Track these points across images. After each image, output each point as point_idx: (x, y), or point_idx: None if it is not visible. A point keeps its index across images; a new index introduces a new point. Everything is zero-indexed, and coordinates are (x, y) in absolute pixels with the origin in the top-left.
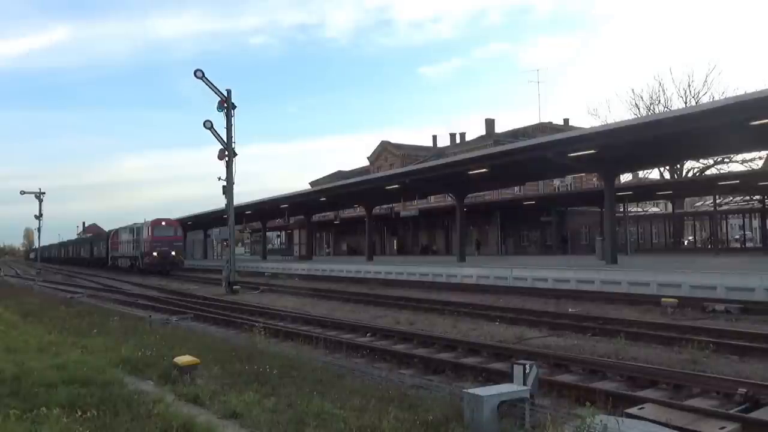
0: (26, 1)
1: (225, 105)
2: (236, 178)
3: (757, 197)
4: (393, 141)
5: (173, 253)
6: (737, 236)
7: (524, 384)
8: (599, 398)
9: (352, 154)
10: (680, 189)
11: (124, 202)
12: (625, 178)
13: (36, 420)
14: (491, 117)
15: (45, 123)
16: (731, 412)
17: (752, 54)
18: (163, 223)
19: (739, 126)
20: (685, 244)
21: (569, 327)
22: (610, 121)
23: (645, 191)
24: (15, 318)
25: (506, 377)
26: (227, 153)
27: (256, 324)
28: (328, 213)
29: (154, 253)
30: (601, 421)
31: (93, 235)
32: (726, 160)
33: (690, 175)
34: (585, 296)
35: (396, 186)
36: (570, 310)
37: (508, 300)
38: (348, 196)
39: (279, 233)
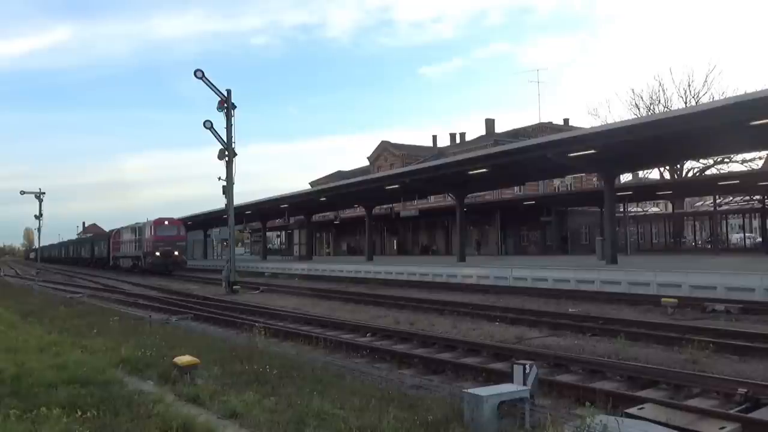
0: (27, 1)
1: (225, 105)
2: (236, 178)
3: (757, 197)
4: (393, 141)
5: (176, 252)
6: (736, 239)
7: (524, 384)
8: (599, 398)
9: (352, 154)
10: (680, 189)
11: (124, 202)
12: (625, 178)
13: (36, 420)
14: (491, 117)
15: (45, 123)
16: (731, 412)
17: (752, 54)
18: (166, 223)
19: (739, 126)
20: (688, 243)
21: (569, 327)
22: (610, 121)
23: (645, 191)
24: (15, 318)
25: (506, 377)
26: (227, 153)
27: (256, 324)
28: (328, 213)
29: (157, 253)
30: (601, 421)
31: (94, 234)
32: (726, 160)
33: (690, 175)
34: (585, 296)
35: (396, 186)
36: (570, 310)
37: (508, 300)
38: (348, 196)
39: (279, 233)
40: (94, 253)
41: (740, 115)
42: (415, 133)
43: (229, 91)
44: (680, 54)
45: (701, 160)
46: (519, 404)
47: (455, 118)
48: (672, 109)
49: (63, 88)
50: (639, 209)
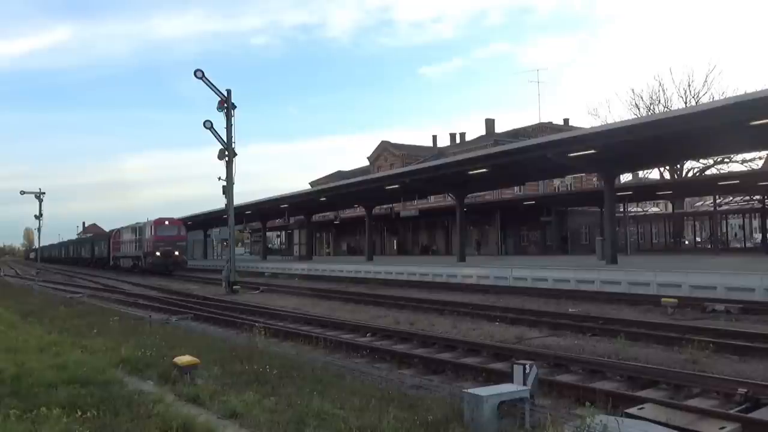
0: (27, 1)
1: (225, 105)
2: (236, 178)
3: (757, 197)
4: (393, 141)
5: (176, 252)
6: (735, 236)
7: (524, 384)
8: (599, 398)
9: (352, 154)
10: (680, 189)
11: (124, 202)
12: (625, 178)
13: (36, 420)
14: (491, 117)
15: (45, 123)
16: (731, 412)
17: (752, 54)
18: (167, 223)
19: (739, 126)
20: (686, 243)
21: (569, 327)
22: (610, 121)
23: (645, 191)
24: (15, 318)
25: (506, 377)
26: (227, 153)
27: (256, 324)
28: (328, 213)
29: (157, 253)
30: (601, 421)
31: (94, 234)
32: (726, 160)
33: (690, 175)
34: (585, 296)
35: (396, 186)
36: (570, 310)
37: (508, 300)
38: (348, 196)
39: (279, 233)
40: (94, 253)
41: (740, 115)
42: (415, 133)
43: (229, 91)
44: (680, 54)
45: (701, 160)
46: (519, 404)
47: (455, 118)
48: (672, 109)
49: (63, 88)
50: (639, 209)
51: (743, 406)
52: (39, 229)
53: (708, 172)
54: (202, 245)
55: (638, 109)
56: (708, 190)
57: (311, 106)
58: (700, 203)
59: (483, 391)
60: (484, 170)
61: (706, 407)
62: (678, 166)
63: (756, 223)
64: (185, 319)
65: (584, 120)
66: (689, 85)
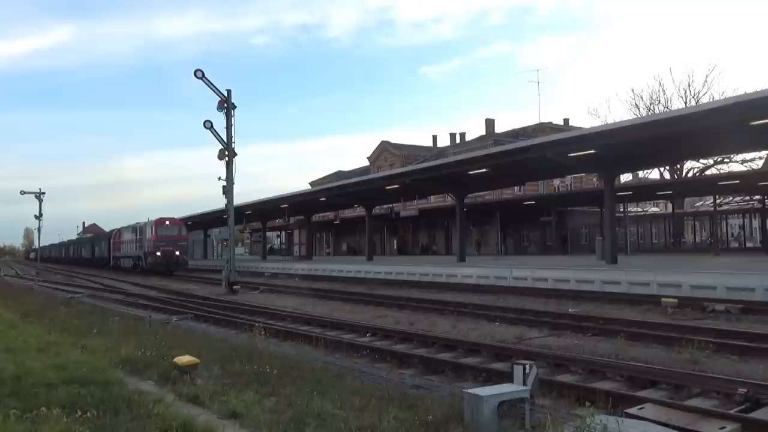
0: (27, 1)
1: (225, 105)
2: (236, 178)
3: (757, 197)
4: (393, 141)
5: (177, 252)
6: (733, 236)
7: (524, 384)
8: (599, 398)
9: (352, 154)
10: (680, 189)
11: (124, 202)
12: (625, 178)
13: (36, 420)
14: (491, 117)
15: (45, 123)
16: (731, 412)
17: (752, 54)
18: (167, 222)
19: (739, 126)
20: (689, 242)
21: (569, 327)
22: (610, 121)
23: (645, 191)
24: (15, 318)
25: (506, 377)
26: (227, 153)
27: (256, 324)
28: (328, 213)
29: (158, 253)
30: (601, 421)
31: (94, 234)
32: (726, 160)
33: (690, 175)
34: (585, 296)
35: (396, 186)
36: (570, 310)
37: (508, 300)
38: (348, 196)
39: (279, 233)
40: (94, 253)
41: (740, 115)
42: (415, 133)
43: (229, 91)
44: (680, 54)
45: (701, 160)
46: (519, 404)
47: (455, 118)
48: (672, 109)
49: (63, 88)
50: (639, 209)
51: (743, 406)
52: (39, 229)
53: (708, 172)
54: (202, 245)
55: (638, 109)
56: (708, 190)
57: (311, 106)
58: (700, 203)
59: (483, 391)
60: (484, 170)
61: (706, 407)
62: (678, 166)
63: (756, 223)
64: (185, 319)
65: (584, 120)
66: (689, 85)
